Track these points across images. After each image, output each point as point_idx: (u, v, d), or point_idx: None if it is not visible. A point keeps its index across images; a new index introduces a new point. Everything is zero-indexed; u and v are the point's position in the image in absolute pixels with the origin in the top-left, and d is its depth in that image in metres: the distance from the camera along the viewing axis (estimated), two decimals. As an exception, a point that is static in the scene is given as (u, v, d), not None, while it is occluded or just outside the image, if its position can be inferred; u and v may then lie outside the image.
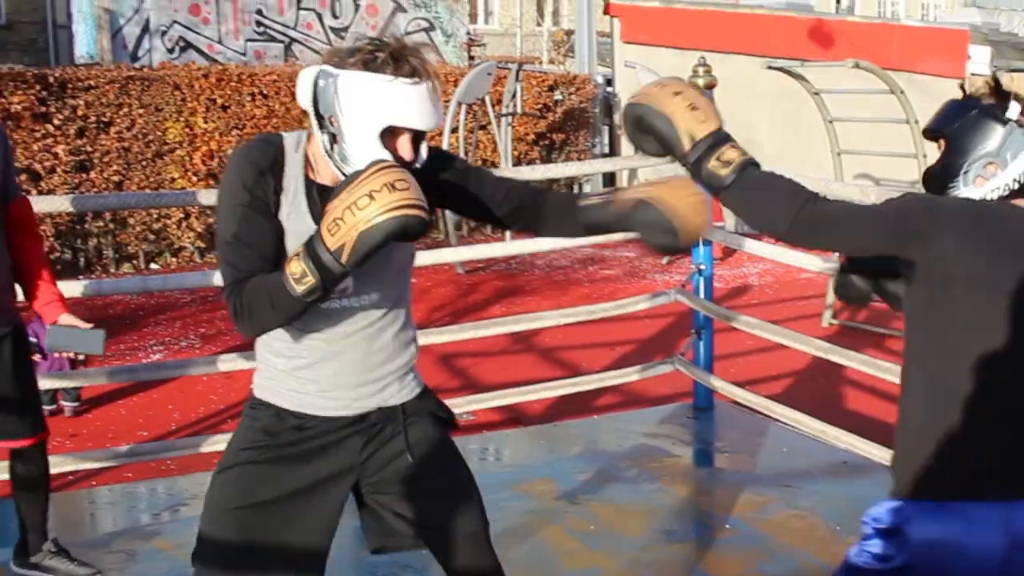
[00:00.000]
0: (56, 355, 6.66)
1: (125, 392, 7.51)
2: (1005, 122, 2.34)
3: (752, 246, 5.69)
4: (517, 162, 14.65)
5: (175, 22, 15.95)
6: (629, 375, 6.25)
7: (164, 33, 15.87)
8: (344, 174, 2.48)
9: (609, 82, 17.05)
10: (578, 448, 5.67)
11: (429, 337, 6.01)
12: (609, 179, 16.67)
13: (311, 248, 2.31)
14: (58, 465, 4.79)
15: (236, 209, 2.49)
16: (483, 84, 13.18)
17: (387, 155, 2.43)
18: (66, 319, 3.67)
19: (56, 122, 11.76)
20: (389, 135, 2.45)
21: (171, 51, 15.78)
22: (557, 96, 15.89)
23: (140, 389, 7.54)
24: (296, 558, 2.67)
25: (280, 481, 2.63)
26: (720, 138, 2.46)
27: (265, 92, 13.41)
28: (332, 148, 2.49)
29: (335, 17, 17.38)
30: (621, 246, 13.90)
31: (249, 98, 13.27)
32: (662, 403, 6.56)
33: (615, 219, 2.61)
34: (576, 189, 16.52)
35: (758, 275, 12.33)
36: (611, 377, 6.31)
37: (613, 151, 16.80)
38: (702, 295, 5.90)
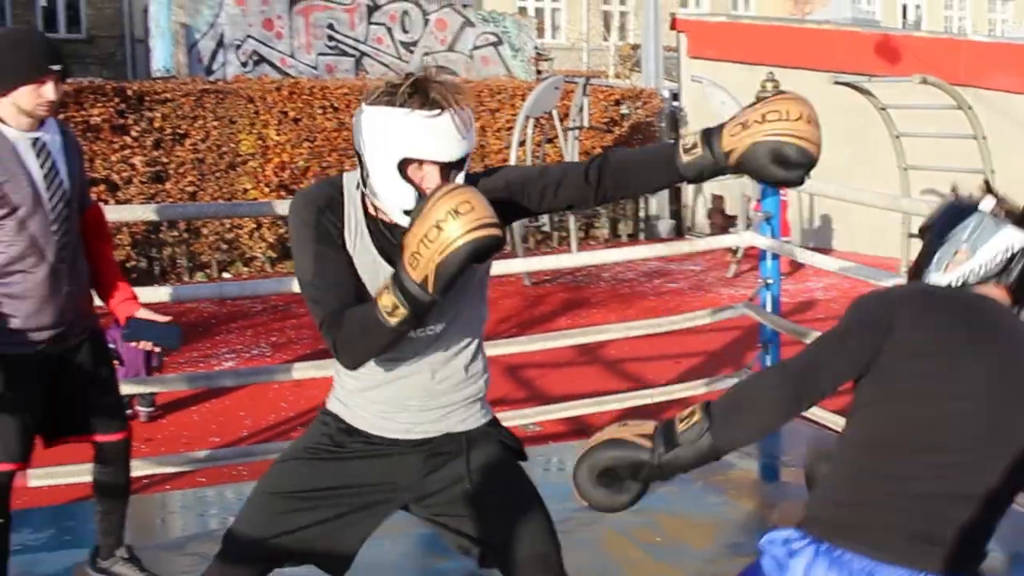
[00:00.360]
0: (132, 359, 6.81)
1: (198, 398, 7.65)
2: (977, 211, 2.42)
3: (818, 260, 5.70)
4: (584, 175, 14.66)
5: (249, 36, 16.18)
6: (695, 388, 6.24)
7: (238, 47, 16.11)
8: (377, 209, 2.57)
9: (675, 96, 17.06)
10: None
11: (496, 348, 6.08)
12: (675, 193, 16.69)
13: (398, 281, 2.35)
14: (133, 469, 4.91)
15: (306, 248, 2.56)
16: (551, 98, 13.25)
17: (408, 188, 2.46)
18: (143, 313, 3.78)
19: (134, 134, 12.01)
20: (414, 167, 2.48)
21: (245, 65, 16.02)
22: (624, 110, 15.93)
23: (213, 396, 7.67)
24: (318, 555, 2.74)
25: (327, 478, 2.70)
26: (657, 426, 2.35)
27: (336, 105, 13.59)
28: (367, 183, 2.54)
29: (405, 32, 17.54)
30: (687, 259, 13.92)
31: (320, 111, 13.46)
32: (727, 416, 6.55)
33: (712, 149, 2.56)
34: (643, 203, 16.55)
35: (823, 290, 12.26)
36: (678, 390, 6.31)
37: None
38: (769, 309, 5.90)
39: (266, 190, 12.80)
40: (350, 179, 2.65)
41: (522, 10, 28.58)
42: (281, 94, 13.26)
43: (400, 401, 2.69)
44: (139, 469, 5.01)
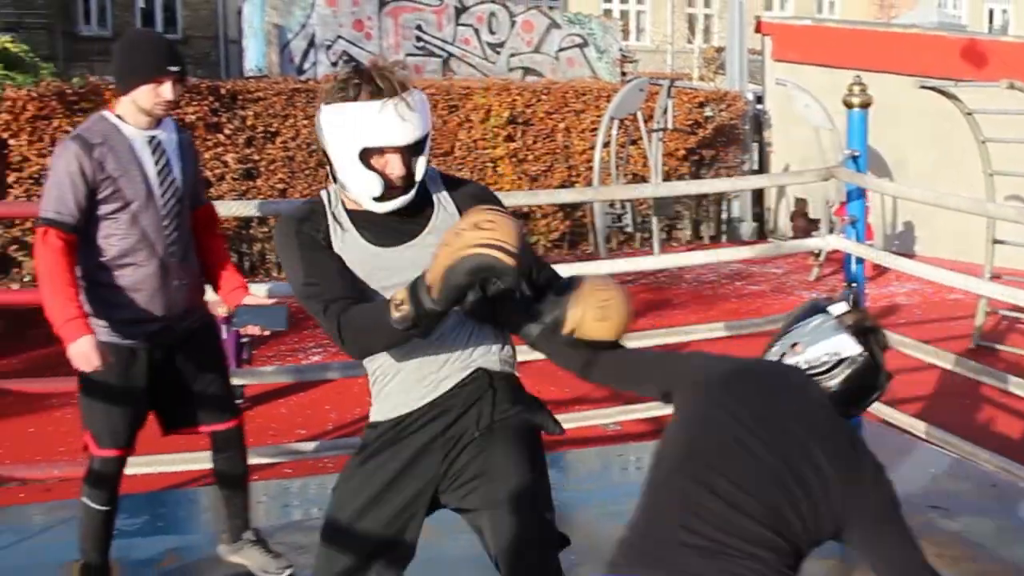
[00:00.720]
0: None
1: (285, 392, 7.81)
2: (825, 312, 2.56)
3: (904, 265, 5.69)
4: (667, 177, 14.71)
5: (339, 37, 16.39)
6: (777, 391, 6.22)
7: (329, 47, 16.32)
8: (349, 200, 2.69)
9: (759, 99, 17.01)
10: None
11: (580, 347, 6.15)
12: (757, 196, 16.63)
13: (415, 280, 2.43)
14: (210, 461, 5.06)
15: (293, 257, 2.69)
16: (635, 100, 13.30)
17: (373, 176, 2.57)
18: (251, 299, 3.89)
19: (227, 132, 12.27)
20: (376, 156, 2.58)
21: (335, 64, 16.22)
22: (708, 112, 15.92)
23: (299, 389, 7.82)
24: (382, 550, 2.81)
25: (372, 482, 2.79)
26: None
27: (423, 105, 13.74)
28: (336, 179, 2.65)
29: (492, 33, 17.65)
30: (769, 262, 13.88)
31: (407, 111, 13.62)
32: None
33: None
34: (725, 205, 16.52)
35: (906, 295, 12.17)
36: (759, 392, 6.30)
37: (763, 168, 16.73)
38: (852, 314, 5.89)
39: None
40: (325, 193, 2.77)
41: (607, 12, 28.59)
42: (369, 94, 13.44)
43: (417, 374, 2.75)
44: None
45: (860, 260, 5.86)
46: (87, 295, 3.74)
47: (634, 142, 14.47)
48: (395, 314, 2.44)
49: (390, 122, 2.55)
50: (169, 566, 4.35)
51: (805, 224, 14.19)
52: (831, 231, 11.73)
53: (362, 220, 2.71)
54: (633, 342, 6.65)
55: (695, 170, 15.82)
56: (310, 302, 2.65)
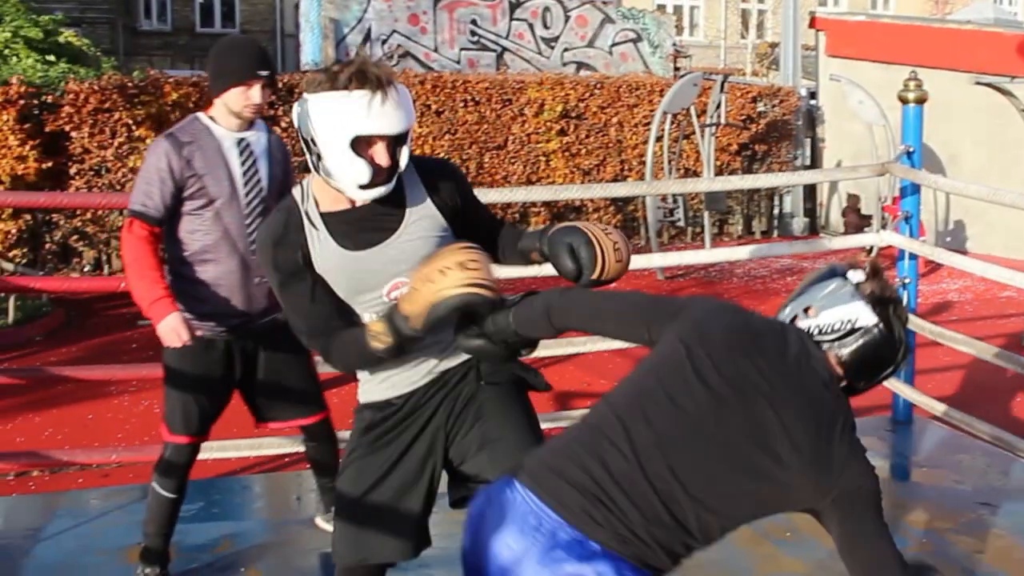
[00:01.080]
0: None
1: (339, 381, 7.88)
2: (843, 278, 2.44)
3: (959, 261, 5.66)
4: (719, 172, 14.68)
5: (395, 31, 16.49)
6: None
7: (384, 41, 16.43)
8: (323, 198, 2.79)
9: (813, 95, 16.91)
10: None
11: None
12: (810, 191, 16.54)
13: (391, 313, 2.61)
14: (278, 447, 5.14)
15: (275, 284, 2.83)
16: (689, 94, 13.28)
17: (362, 163, 2.65)
18: None
19: (283, 124, 12.37)
20: (364, 145, 2.67)
21: (390, 58, 16.33)
22: (761, 108, 15.86)
23: (346, 381, 7.87)
24: (397, 525, 2.93)
25: (380, 462, 2.91)
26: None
27: (477, 99, 13.82)
28: (319, 167, 2.72)
29: (546, 27, 17.69)
30: (820, 257, 13.81)
31: (462, 104, 13.71)
32: (858, 415, 6.53)
33: (541, 240, 2.78)
34: (777, 200, 16.45)
35: (958, 291, 12.08)
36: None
37: (815, 163, 16.64)
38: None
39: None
40: (297, 192, 2.85)
41: (661, 7, 28.54)
42: (425, 87, 13.55)
43: (415, 355, 2.87)
44: (280, 447, 5.24)
45: (913, 256, 5.84)
46: (171, 287, 3.85)
47: (687, 137, 14.44)
48: (376, 344, 2.64)
49: (383, 112, 2.64)
50: (224, 552, 4.40)
51: (857, 220, 14.12)
52: (884, 227, 11.66)
53: (336, 223, 2.80)
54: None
55: (747, 165, 15.77)
56: (294, 323, 2.83)
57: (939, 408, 5.67)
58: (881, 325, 2.38)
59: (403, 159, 2.74)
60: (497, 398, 2.92)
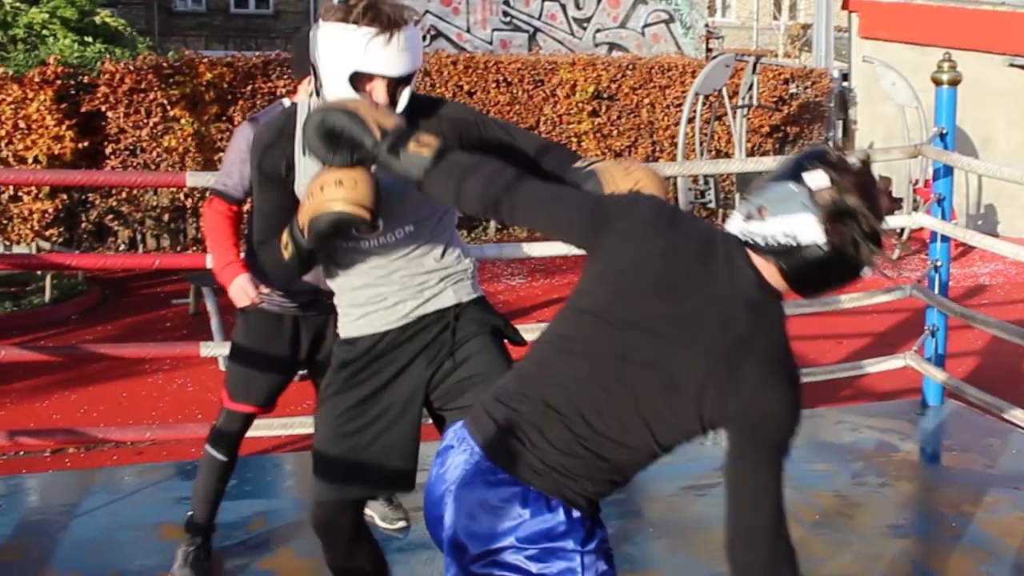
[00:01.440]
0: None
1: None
2: (800, 181, 2.10)
3: (993, 244, 5.64)
4: (751, 153, 14.64)
5: (427, 12, 16.51)
6: (861, 368, 6.22)
7: (416, 22, 16.44)
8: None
9: (845, 77, 16.82)
10: (804, 438, 5.56)
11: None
12: (842, 174, 16.46)
13: (291, 223, 2.68)
14: (292, 427, 5.16)
15: (256, 181, 2.93)
16: (721, 76, 13.24)
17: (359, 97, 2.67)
18: None
19: (314, 104, 12.44)
20: (364, 81, 2.68)
21: (423, 39, 16.37)
22: (793, 89, 15.78)
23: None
24: (370, 464, 3.00)
25: (356, 399, 2.97)
26: (410, 129, 2.45)
27: (509, 80, 13.82)
28: (320, 93, 2.76)
29: (578, 8, 17.66)
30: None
31: (494, 85, 13.72)
32: (887, 399, 6.53)
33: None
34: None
35: (989, 275, 12.01)
36: (841, 369, 6.29)
37: (846, 145, 16.56)
38: (937, 292, 5.86)
39: (437, 161, 13.07)
40: (308, 106, 2.89)
41: (693, -13, 28.38)
42: (457, 68, 13.56)
43: (392, 296, 2.94)
44: (312, 427, 5.25)
45: (945, 239, 5.82)
46: (246, 263, 3.96)
47: (719, 118, 14.39)
48: (284, 253, 2.72)
49: (385, 52, 2.64)
50: (257, 530, 4.44)
51: (888, 202, 14.03)
52: (915, 209, 11.60)
53: None
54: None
55: (779, 147, 15.70)
56: (255, 223, 2.95)
57: (970, 391, 5.65)
58: (830, 244, 2.07)
59: (402, 100, 2.74)
60: (478, 347, 2.97)
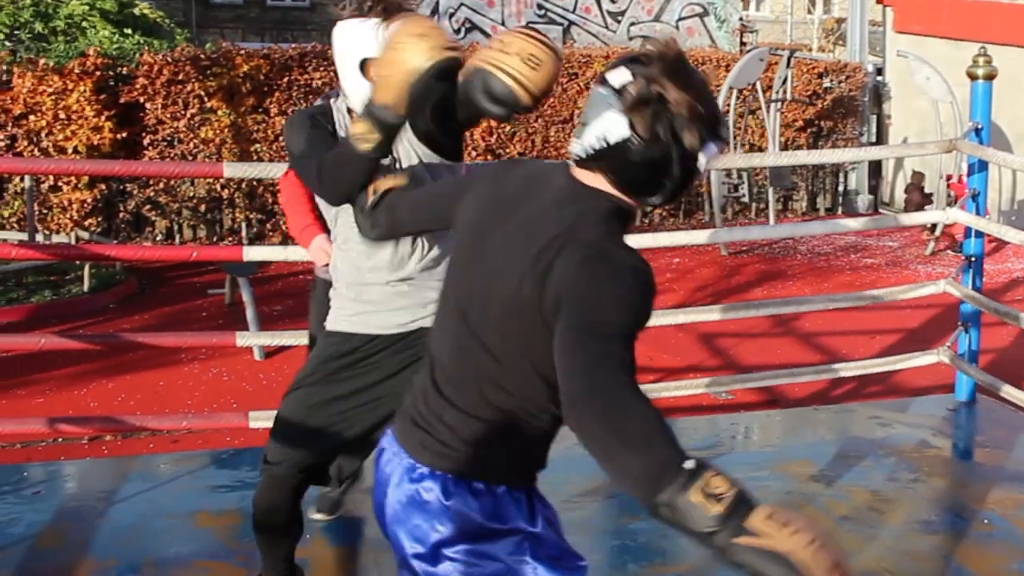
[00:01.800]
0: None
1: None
2: (606, 84, 2.00)
3: (1022, 239, 5.61)
4: (784, 147, 14.59)
5: (462, 4, 16.54)
6: (893, 364, 6.18)
7: (451, 15, 16.50)
8: (350, 108, 2.98)
9: (879, 71, 16.73)
10: (836, 433, 5.69)
11: (692, 316, 6.20)
12: (875, 167, 16.38)
13: (370, 107, 2.57)
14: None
15: (302, 132, 2.96)
16: (755, 70, 13.21)
17: (368, 85, 2.75)
18: None
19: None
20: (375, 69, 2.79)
21: (458, 32, 16.38)
22: (827, 84, 15.71)
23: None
24: (329, 439, 3.15)
25: (335, 395, 3.09)
26: None
27: (541, 73, 13.80)
28: (341, 87, 2.96)
29: (612, 2, 17.64)
30: (885, 235, 13.71)
31: (527, 78, 13.70)
32: (919, 395, 6.51)
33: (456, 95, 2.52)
34: (842, 177, 16.33)
35: (1023, 271, 11.94)
36: (874, 365, 6.25)
37: (880, 140, 16.49)
38: (971, 287, 5.84)
39: (473, 154, 13.08)
40: (339, 99, 3.08)
41: (727, -20, 28.24)
42: (489, 61, 13.55)
43: (387, 300, 3.06)
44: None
45: (980, 234, 5.80)
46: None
47: (752, 112, 14.35)
48: (364, 146, 2.58)
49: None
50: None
51: (920, 198, 13.96)
52: (950, 204, 11.55)
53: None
54: (745, 312, 6.71)
55: (813, 141, 15.63)
56: (301, 163, 2.94)
57: (1003, 388, 5.62)
58: (638, 136, 1.95)
59: None
60: None
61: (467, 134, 12.79)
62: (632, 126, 1.93)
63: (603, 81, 1.99)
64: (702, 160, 1.99)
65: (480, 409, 2.11)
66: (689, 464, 1.68)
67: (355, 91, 2.91)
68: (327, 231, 3.93)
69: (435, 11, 16.48)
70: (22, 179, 10.66)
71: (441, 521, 2.11)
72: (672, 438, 1.72)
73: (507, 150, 13.17)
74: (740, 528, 1.67)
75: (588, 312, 1.89)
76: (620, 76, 1.96)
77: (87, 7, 13.18)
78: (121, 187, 11.72)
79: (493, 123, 13.29)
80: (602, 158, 1.99)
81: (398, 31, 2.53)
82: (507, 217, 2.10)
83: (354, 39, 2.88)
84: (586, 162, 2.03)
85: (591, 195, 2.04)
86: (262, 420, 4.74)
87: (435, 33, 2.52)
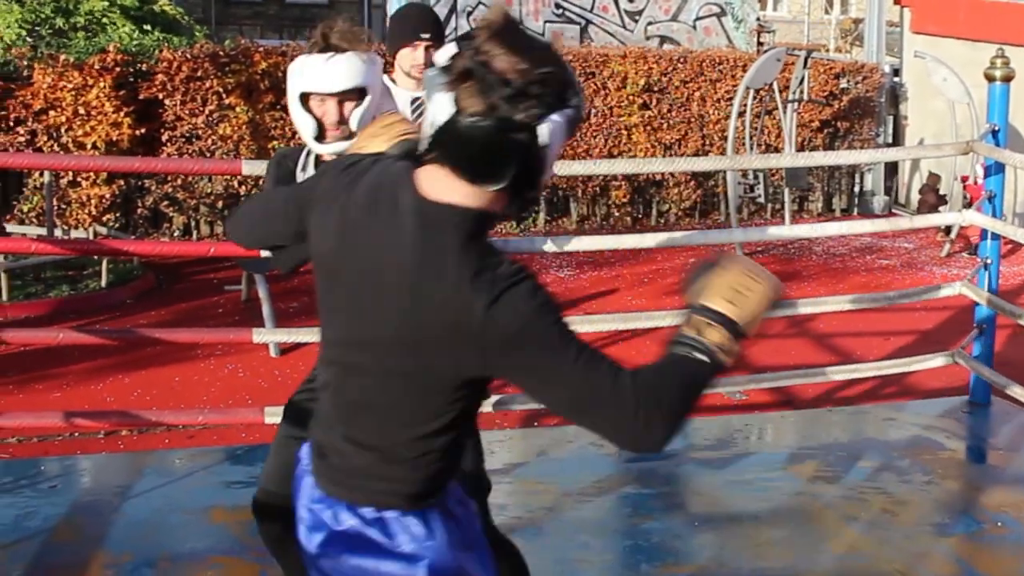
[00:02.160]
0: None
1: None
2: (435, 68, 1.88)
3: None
4: (801, 148, 14.57)
5: (480, 3, 16.56)
6: (908, 365, 6.16)
7: (470, 14, 16.50)
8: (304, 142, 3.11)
9: (896, 72, 16.70)
10: (850, 434, 5.69)
11: (708, 316, 6.19)
12: (891, 168, 16.35)
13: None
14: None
15: (268, 182, 3.25)
16: (772, 70, 13.19)
17: (309, 119, 2.97)
18: None
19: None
20: (317, 102, 2.99)
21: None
22: (844, 84, 15.68)
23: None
24: None
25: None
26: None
27: (557, 72, 13.82)
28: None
29: (630, 1, 17.61)
30: (900, 236, 13.68)
31: (543, 76, 13.72)
32: (934, 396, 6.49)
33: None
34: (858, 178, 16.30)
35: (1036, 274, 11.91)
36: (889, 366, 6.21)
37: (897, 141, 16.45)
38: (986, 289, 5.83)
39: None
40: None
41: (745, -20, 28.21)
42: (506, 60, 13.57)
43: None
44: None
45: (996, 237, 5.79)
46: None
47: (769, 112, 14.34)
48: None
49: (324, 70, 2.94)
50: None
51: (934, 199, 13.93)
52: (967, 206, 11.51)
53: (319, 162, 3.14)
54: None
55: (829, 142, 15.62)
56: (244, 206, 2.99)
57: (1017, 390, 5.60)
58: (460, 111, 1.79)
59: (354, 119, 2.98)
60: None
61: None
62: (457, 101, 1.79)
63: (432, 64, 1.89)
64: (543, 133, 1.80)
65: (365, 440, 2.07)
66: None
67: (299, 124, 3.04)
68: None
69: (453, 10, 16.49)
70: (41, 174, 10.73)
71: (334, 545, 2.10)
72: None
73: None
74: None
75: (535, 345, 1.84)
76: (444, 54, 1.84)
77: (107, 3, 13.26)
78: (139, 183, 11.78)
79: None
80: (436, 145, 1.83)
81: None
82: (361, 247, 1.96)
83: (297, 73, 2.99)
84: (427, 156, 1.87)
85: (443, 218, 1.87)
86: (277, 416, 4.69)
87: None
